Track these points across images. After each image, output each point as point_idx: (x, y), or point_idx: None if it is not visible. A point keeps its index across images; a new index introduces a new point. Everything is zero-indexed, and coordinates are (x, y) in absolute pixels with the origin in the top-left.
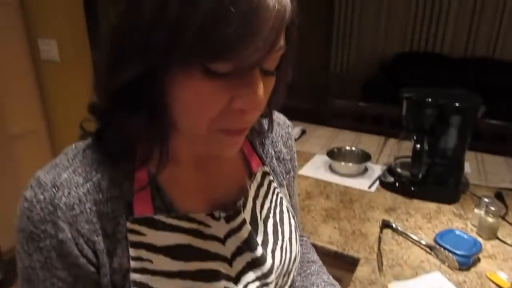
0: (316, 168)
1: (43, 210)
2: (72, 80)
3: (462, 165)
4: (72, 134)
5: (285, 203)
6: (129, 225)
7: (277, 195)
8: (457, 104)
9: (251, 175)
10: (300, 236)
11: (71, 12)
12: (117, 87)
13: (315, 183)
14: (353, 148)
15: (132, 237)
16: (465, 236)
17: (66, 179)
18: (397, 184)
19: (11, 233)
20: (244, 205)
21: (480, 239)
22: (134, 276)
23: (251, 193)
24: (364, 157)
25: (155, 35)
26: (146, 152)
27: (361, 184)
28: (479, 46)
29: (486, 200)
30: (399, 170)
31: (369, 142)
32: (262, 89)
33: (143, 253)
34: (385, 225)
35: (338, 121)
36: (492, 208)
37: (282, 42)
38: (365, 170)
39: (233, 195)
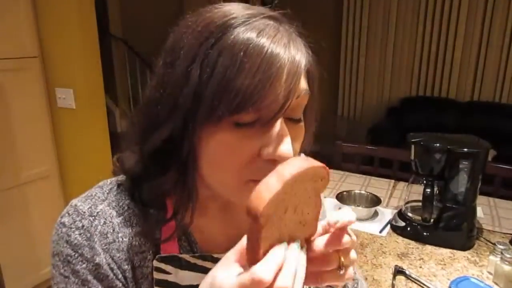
0: (325, 212)
1: (81, 235)
2: (86, 126)
3: (475, 210)
4: (84, 180)
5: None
6: (156, 263)
7: None
8: (466, 149)
9: None
10: None
11: (88, 64)
12: (150, 149)
13: None
14: (363, 192)
15: (157, 275)
16: (481, 284)
17: (102, 210)
18: (408, 228)
19: (20, 278)
20: None
21: None
22: None
23: None
24: (374, 200)
25: (182, 96)
26: (176, 205)
27: (372, 228)
28: (485, 90)
29: (501, 247)
30: (410, 214)
31: (378, 185)
32: (289, 137)
33: None
34: (398, 271)
35: (347, 165)
36: (508, 256)
37: (304, 87)
38: (375, 214)
39: None
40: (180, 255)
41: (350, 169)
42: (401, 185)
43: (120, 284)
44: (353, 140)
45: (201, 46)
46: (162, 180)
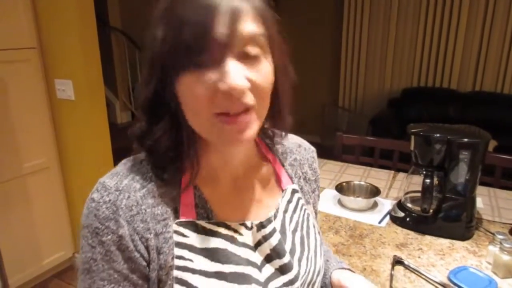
0: (325, 203)
1: (108, 209)
2: (86, 118)
3: (474, 200)
4: (84, 171)
5: (311, 219)
6: (175, 227)
7: (304, 211)
8: (466, 140)
9: (282, 191)
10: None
11: (87, 55)
12: (145, 105)
13: (324, 217)
14: (362, 183)
15: (177, 238)
16: (480, 274)
17: (127, 184)
18: (407, 219)
19: (21, 269)
20: (275, 216)
21: (495, 277)
22: (176, 273)
23: (282, 207)
24: (374, 191)
25: (155, 55)
26: (188, 164)
27: (371, 219)
28: (487, 81)
29: (500, 236)
30: (409, 205)
31: (378, 176)
32: (238, 70)
33: (185, 253)
34: (397, 261)
35: (347, 156)
36: (507, 245)
37: (252, 29)
38: (375, 204)
39: (265, 208)
40: (197, 221)
41: (350, 160)
42: (401, 176)
43: (138, 255)
44: (354, 132)
45: (160, 13)
46: (157, 130)
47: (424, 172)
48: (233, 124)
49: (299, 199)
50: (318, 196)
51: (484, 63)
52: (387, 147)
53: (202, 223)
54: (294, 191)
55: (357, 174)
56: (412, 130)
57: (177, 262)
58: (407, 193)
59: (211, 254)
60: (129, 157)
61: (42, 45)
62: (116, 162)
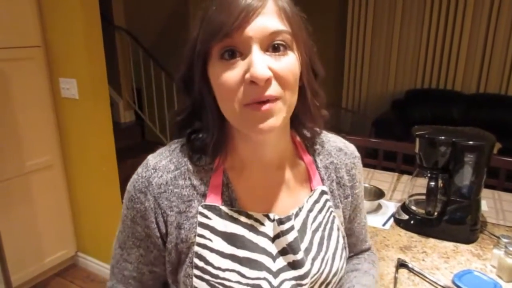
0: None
1: (142, 183)
2: (89, 116)
3: (479, 203)
4: (87, 170)
5: (336, 221)
6: (201, 209)
7: (330, 213)
8: (471, 142)
9: (311, 191)
10: (368, 252)
11: (91, 54)
12: (178, 88)
13: None
14: (366, 185)
15: (201, 219)
16: (484, 278)
17: (164, 164)
18: (411, 222)
19: (23, 267)
20: (297, 214)
21: (500, 281)
22: (196, 248)
23: (307, 206)
24: (378, 193)
25: (192, 42)
26: (216, 149)
27: (375, 221)
28: (491, 82)
29: (505, 240)
30: (413, 207)
31: (382, 178)
32: (262, 61)
33: (207, 233)
34: (401, 264)
35: None
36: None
37: (278, 26)
38: (379, 207)
39: (290, 204)
40: (221, 206)
41: None
42: (405, 178)
43: (154, 226)
44: (357, 133)
45: (202, 8)
46: (182, 109)
47: (429, 175)
48: (257, 110)
49: (326, 200)
50: (355, 203)
51: (489, 65)
52: (391, 148)
53: (225, 209)
54: (323, 192)
55: None
56: (417, 133)
57: (198, 239)
58: (411, 195)
59: (229, 237)
60: (175, 140)
61: (46, 44)
62: (119, 161)
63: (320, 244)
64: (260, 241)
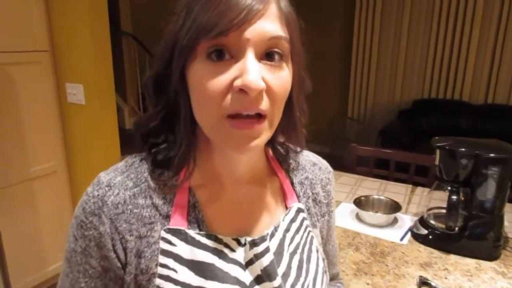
0: (342, 217)
1: (94, 204)
2: (95, 122)
3: (502, 218)
4: (92, 176)
5: (315, 242)
6: (163, 233)
7: (308, 233)
8: (495, 155)
9: (286, 209)
10: (339, 280)
11: (99, 59)
12: (147, 87)
13: (342, 233)
14: (382, 197)
15: (163, 245)
16: None
17: (120, 181)
18: (430, 237)
19: (25, 275)
20: (273, 235)
21: None
22: (158, 281)
23: (283, 225)
24: (394, 206)
25: (170, 37)
26: (182, 161)
27: (392, 235)
28: (499, 93)
29: None
30: (432, 221)
31: (395, 190)
32: (257, 69)
33: (170, 262)
34: (423, 282)
35: (360, 168)
36: None
37: (278, 32)
38: (395, 220)
39: (264, 224)
40: (187, 230)
41: (364, 172)
42: (419, 190)
43: (114, 256)
44: (363, 142)
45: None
46: (151, 115)
47: (449, 188)
48: (243, 129)
49: (303, 219)
50: (330, 222)
51: (497, 75)
52: (403, 159)
53: (192, 233)
54: (299, 210)
55: (373, 188)
56: (437, 144)
57: (161, 270)
58: (430, 209)
59: (197, 267)
60: (133, 154)
61: (54, 48)
62: None
63: (299, 268)
64: (232, 270)
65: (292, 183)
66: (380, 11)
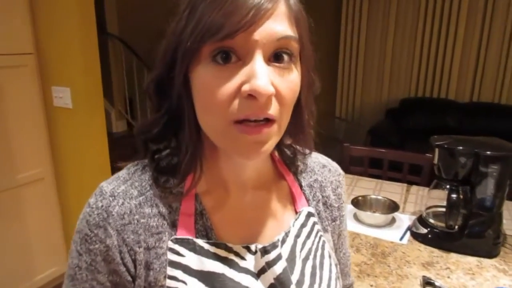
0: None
1: (99, 215)
2: (83, 127)
3: (501, 216)
4: (80, 182)
5: (327, 248)
6: (171, 244)
7: (319, 238)
8: (495, 153)
9: (296, 213)
10: None
11: (86, 62)
12: (148, 91)
13: None
14: (380, 197)
15: (171, 256)
16: None
17: (123, 190)
18: (430, 236)
19: (13, 285)
20: (284, 241)
21: None
22: None
23: (293, 230)
24: (392, 206)
25: (172, 38)
26: (188, 168)
27: (391, 235)
28: (484, 91)
29: None
30: (431, 220)
31: (391, 189)
32: (266, 73)
33: (179, 274)
34: (427, 283)
35: (354, 168)
36: None
37: (287, 32)
38: (393, 220)
39: (274, 229)
40: (195, 239)
41: (357, 172)
42: (415, 189)
43: (124, 269)
44: (352, 142)
45: None
46: (154, 120)
47: (448, 186)
48: (252, 134)
49: (314, 223)
50: (341, 227)
51: (482, 74)
52: (397, 158)
53: (200, 242)
54: (309, 214)
55: (369, 188)
56: (436, 143)
57: (169, 283)
58: (428, 207)
59: (207, 278)
60: (135, 162)
61: (39, 51)
62: (114, 173)
63: (313, 275)
64: (243, 279)
65: (300, 186)
66: (366, 11)
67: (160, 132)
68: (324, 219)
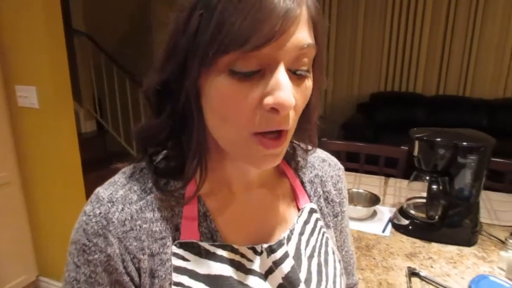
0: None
1: (97, 223)
2: (51, 127)
3: (479, 205)
4: (49, 186)
5: (330, 244)
6: (174, 249)
7: (323, 235)
8: (473, 144)
9: (298, 210)
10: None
11: (53, 59)
12: (149, 93)
13: None
14: (361, 191)
15: (176, 262)
16: (501, 283)
17: (122, 195)
18: (411, 227)
19: None
20: (289, 239)
21: None
22: None
23: (297, 228)
24: (373, 199)
25: (182, 39)
26: (193, 172)
27: (373, 228)
28: (449, 85)
29: None
30: (412, 212)
31: (370, 183)
32: (290, 85)
33: (185, 280)
34: (412, 273)
35: None
36: None
37: (307, 40)
38: (374, 213)
39: (279, 228)
40: (200, 242)
41: None
42: (392, 181)
43: (128, 279)
44: (326, 137)
45: None
46: (156, 124)
47: (428, 178)
48: (270, 148)
49: (317, 220)
50: (343, 224)
51: (447, 68)
52: (373, 152)
53: (206, 245)
54: (312, 211)
55: (348, 181)
56: (416, 135)
57: None
58: (409, 199)
59: (214, 282)
60: (130, 165)
61: (1, 48)
62: (85, 175)
63: (319, 272)
64: (251, 282)
65: (301, 182)
66: (336, 8)
67: (165, 137)
68: (326, 215)
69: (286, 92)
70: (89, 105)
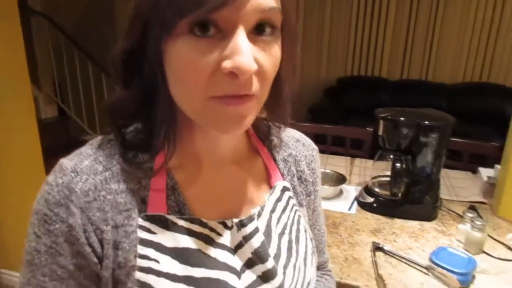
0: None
1: (59, 193)
2: (8, 115)
3: (439, 182)
4: (8, 174)
5: (302, 222)
6: (141, 221)
7: (295, 213)
8: (434, 122)
9: (270, 188)
10: (327, 271)
11: (7, 43)
12: (115, 63)
13: None
14: (328, 170)
15: (142, 234)
16: (459, 253)
17: (87, 165)
18: (375, 204)
19: None
20: (260, 215)
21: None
22: (138, 275)
23: (268, 205)
24: (339, 179)
25: (142, 7)
26: (161, 144)
27: (340, 206)
28: (413, 70)
29: (470, 215)
30: (377, 189)
31: (336, 163)
32: (250, 49)
33: (151, 252)
34: (376, 248)
35: None
36: (478, 223)
37: (271, 3)
38: (340, 192)
39: (250, 205)
40: (167, 216)
41: None
42: (358, 161)
43: (90, 250)
44: (291, 120)
45: None
46: (125, 96)
47: (392, 157)
48: (232, 105)
49: (289, 198)
50: (316, 203)
51: (410, 53)
52: (340, 134)
53: (173, 218)
54: (284, 189)
55: None
56: (381, 115)
57: (140, 262)
58: (374, 178)
59: (181, 255)
60: (98, 136)
61: None
62: (47, 162)
63: (289, 249)
64: (220, 255)
65: (275, 161)
66: None
67: (135, 110)
68: (299, 194)
69: (245, 56)
70: (48, 89)
